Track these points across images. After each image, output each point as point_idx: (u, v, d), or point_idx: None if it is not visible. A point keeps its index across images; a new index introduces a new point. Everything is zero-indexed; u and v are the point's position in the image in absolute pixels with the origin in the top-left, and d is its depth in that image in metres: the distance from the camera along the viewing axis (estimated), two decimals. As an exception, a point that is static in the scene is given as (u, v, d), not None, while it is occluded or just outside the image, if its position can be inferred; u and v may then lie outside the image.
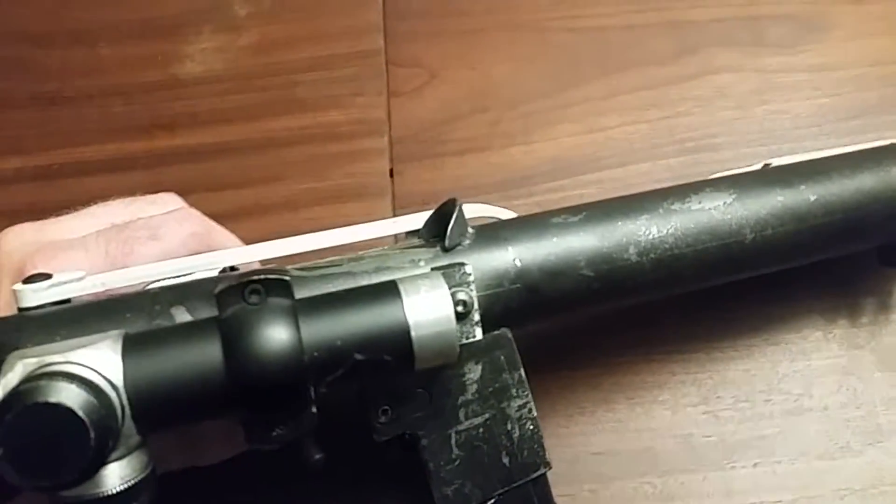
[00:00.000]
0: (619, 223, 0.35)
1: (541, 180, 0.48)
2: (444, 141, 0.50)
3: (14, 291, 0.29)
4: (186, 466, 0.34)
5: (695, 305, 0.43)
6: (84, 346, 0.25)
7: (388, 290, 0.28)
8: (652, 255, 0.35)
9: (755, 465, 0.40)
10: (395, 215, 0.46)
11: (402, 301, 0.27)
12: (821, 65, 0.50)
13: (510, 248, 0.33)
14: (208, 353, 0.26)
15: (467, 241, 0.33)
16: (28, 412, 0.23)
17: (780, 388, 0.42)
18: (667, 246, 0.35)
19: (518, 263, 0.33)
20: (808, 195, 0.37)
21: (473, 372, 0.32)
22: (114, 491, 0.25)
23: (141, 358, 0.25)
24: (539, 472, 0.32)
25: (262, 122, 0.51)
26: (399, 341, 0.27)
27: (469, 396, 0.32)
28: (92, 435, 0.23)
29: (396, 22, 0.53)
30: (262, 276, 0.27)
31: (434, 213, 0.34)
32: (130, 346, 0.26)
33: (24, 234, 0.33)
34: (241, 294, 0.26)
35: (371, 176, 0.49)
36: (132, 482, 0.25)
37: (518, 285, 0.33)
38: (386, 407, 0.31)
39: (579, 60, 0.51)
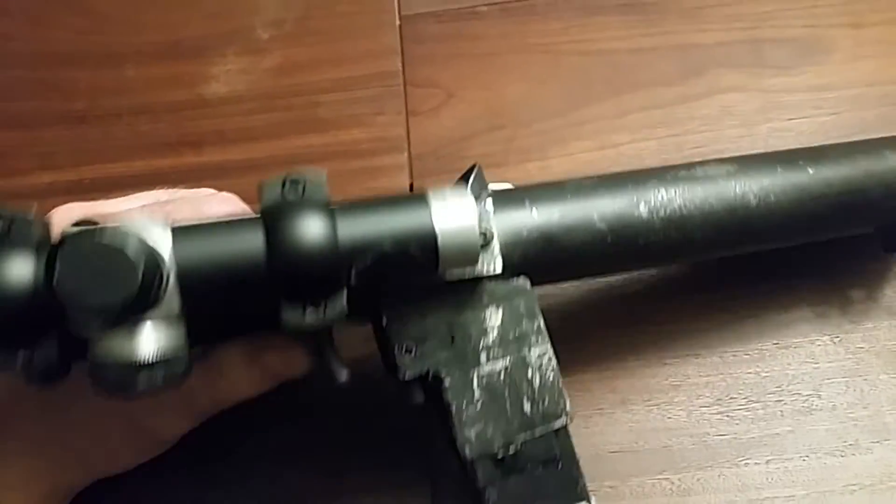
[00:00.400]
0: (630, 186, 0.37)
1: (556, 194, 0.50)
2: (461, 157, 0.52)
3: (62, 234, 0.29)
4: (214, 411, 0.36)
5: (707, 312, 0.45)
6: (136, 219, 0.27)
7: (417, 196, 0.30)
8: (661, 214, 0.37)
9: (768, 461, 0.42)
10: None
11: (429, 204, 0.30)
12: (821, 85, 0.52)
13: (528, 202, 0.36)
14: (250, 237, 0.28)
15: (488, 196, 0.35)
16: (84, 248, 0.25)
17: (789, 390, 0.43)
18: (675, 206, 0.37)
19: (535, 215, 0.35)
20: (807, 169, 0.40)
21: (494, 317, 0.34)
22: (149, 358, 0.27)
23: (188, 234, 0.28)
24: (561, 422, 0.33)
25: (287, 140, 0.53)
26: (426, 238, 0.29)
27: (490, 341, 0.33)
28: (139, 272, 0.25)
29: (413, 45, 0.56)
30: (300, 175, 0.29)
31: (456, 181, 0.36)
32: (179, 229, 0.28)
33: (73, 210, 0.35)
34: (280, 187, 0.29)
35: (392, 191, 0.51)
36: (168, 355, 0.27)
37: (536, 235, 0.35)
38: (410, 345, 0.33)
39: (590, 81, 0.54)
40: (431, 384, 0.33)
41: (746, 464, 0.42)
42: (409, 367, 0.33)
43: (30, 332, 0.26)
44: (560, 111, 0.53)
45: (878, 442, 0.42)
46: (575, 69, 0.54)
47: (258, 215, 0.29)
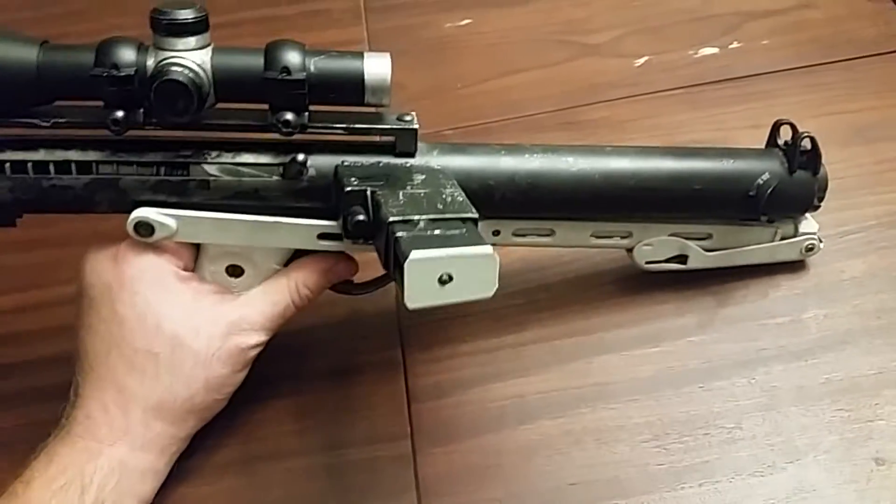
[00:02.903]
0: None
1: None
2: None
3: None
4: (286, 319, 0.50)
5: (642, 364, 0.54)
6: None
7: (359, 52, 0.45)
8: (538, 150, 0.51)
9: (700, 484, 0.49)
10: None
11: (363, 58, 0.44)
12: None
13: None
14: (257, 55, 0.43)
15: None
16: None
17: (715, 424, 0.52)
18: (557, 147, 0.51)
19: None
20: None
21: (418, 177, 0.47)
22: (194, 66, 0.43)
23: (223, 53, 0.44)
24: (468, 215, 0.43)
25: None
26: (357, 70, 0.44)
27: (414, 184, 0.45)
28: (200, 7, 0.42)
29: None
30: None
31: None
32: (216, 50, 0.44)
33: None
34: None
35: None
36: (201, 80, 0.43)
37: (451, 143, 0.50)
38: (355, 179, 0.45)
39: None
40: (371, 196, 0.44)
41: (682, 487, 0.50)
42: (352, 186, 0.44)
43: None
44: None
45: (791, 462, 0.50)
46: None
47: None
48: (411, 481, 0.51)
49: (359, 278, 0.54)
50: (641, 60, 0.71)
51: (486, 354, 0.56)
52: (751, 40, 0.71)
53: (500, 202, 0.50)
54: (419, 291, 0.39)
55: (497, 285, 0.40)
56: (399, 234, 0.40)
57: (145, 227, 0.46)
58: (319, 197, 0.47)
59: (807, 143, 0.53)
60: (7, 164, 0.45)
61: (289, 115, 0.44)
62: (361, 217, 0.44)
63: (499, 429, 0.53)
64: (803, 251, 0.57)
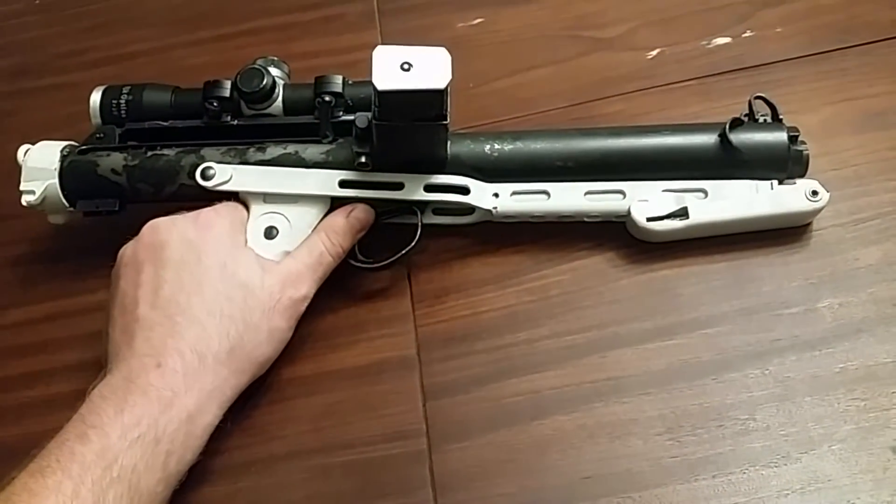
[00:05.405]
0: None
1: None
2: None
3: None
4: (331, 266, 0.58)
5: (658, 357, 0.55)
6: None
7: None
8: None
9: (714, 476, 0.50)
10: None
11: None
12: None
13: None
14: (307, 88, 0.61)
15: None
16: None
17: (729, 416, 0.52)
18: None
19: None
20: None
21: None
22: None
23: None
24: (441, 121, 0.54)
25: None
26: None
27: None
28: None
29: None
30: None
31: None
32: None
33: None
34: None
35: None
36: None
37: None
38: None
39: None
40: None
41: (696, 479, 0.50)
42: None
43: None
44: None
45: (805, 452, 0.50)
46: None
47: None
48: (427, 478, 0.52)
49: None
50: (654, 52, 0.70)
51: (500, 351, 0.57)
52: (764, 28, 0.70)
53: (497, 161, 0.58)
54: (385, 75, 0.49)
55: (451, 77, 0.49)
56: (377, 123, 0.54)
57: (209, 171, 0.58)
58: (343, 158, 0.58)
59: (761, 103, 0.59)
60: (131, 144, 0.61)
61: (327, 97, 0.58)
62: (365, 123, 0.55)
63: (513, 424, 0.54)
64: (808, 195, 0.56)
